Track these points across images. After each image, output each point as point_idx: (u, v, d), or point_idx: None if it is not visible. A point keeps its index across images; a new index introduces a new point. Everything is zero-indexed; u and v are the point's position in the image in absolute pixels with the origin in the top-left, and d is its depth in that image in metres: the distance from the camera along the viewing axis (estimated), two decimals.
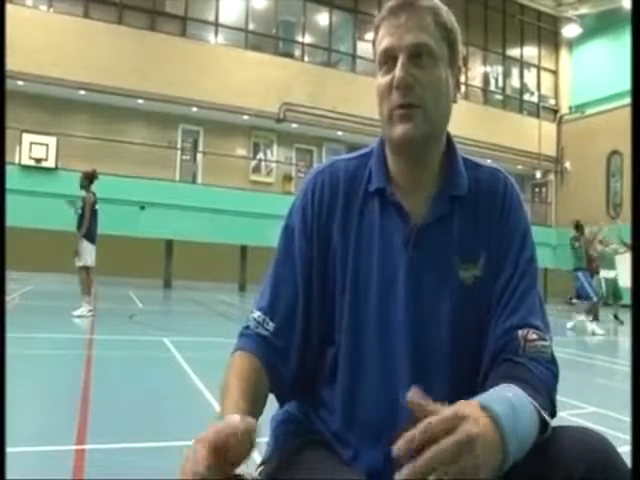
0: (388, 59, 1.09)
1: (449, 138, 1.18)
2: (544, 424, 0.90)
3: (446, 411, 0.77)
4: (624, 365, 6.40)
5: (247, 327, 1.13)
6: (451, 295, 1.10)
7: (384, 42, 1.09)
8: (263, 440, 1.22)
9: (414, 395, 0.79)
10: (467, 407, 0.80)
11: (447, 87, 1.11)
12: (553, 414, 0.99)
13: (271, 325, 1.11)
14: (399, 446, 0.74)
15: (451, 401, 1.09)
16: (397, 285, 1.10)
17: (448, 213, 1.13)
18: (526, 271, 1.12)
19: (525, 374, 0.99)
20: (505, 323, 1.07)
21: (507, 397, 0.88)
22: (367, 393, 1.11)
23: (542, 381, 1.00)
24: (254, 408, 0.98)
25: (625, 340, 9.60)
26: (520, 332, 1.05)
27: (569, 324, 11.01)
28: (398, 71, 1.06)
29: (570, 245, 11.04)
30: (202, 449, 0.76)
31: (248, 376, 1.02)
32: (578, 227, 11.21)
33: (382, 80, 1.09)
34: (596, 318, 10.74)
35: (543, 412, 0.90)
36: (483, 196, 1.15)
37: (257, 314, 1.13)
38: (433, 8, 1.09)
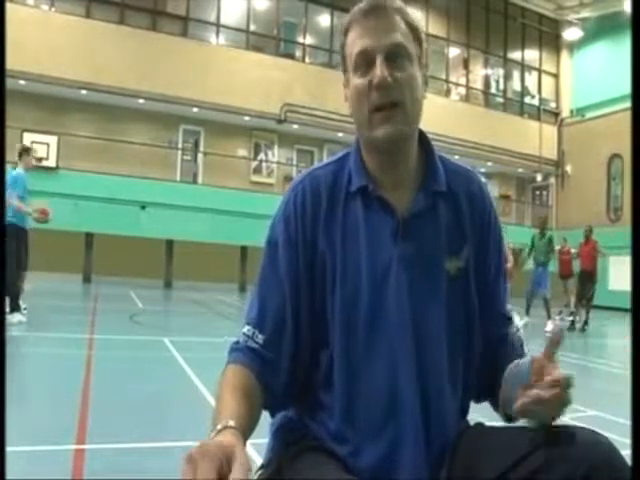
0: (365, 61, 1.10)
1: (422, 134, 1.21)
2: None
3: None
4: (623, 369, 6.40)
5: (237, 342, 1.14)
6: (440, 285, 1.14)
7: (359, 44, 1.11)
8: (262, 442, 1.23)
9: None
10: None
11: (420, 85, 1.14)
12: None
13: (260, 337, 1.12)
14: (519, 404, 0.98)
15: (446, 381, 1.13)
16: (388, 277, 1.12)
17: (431, 206, 1.16)
18: (502, 271, 1.23)
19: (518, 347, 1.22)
20: (499, 322, 1.23)
21: None
22: (366, 388, 1.11)
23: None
24: (250, 420, 0.98)
25: (622, 343, 9.60)
26: (511, 327, 1.24)
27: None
28: (379, 71, 1.08)
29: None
30: (208, 465, 0.75)
31: (242, 388, 1.02)
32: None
33: (359, 81, 1.11)
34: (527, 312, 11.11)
35: None
36: (462, 194, 1.19)
37: (246, 328, 1.14)
38: (400, 9, 1.13)
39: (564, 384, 0.94)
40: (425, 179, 1.17)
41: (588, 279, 11.58)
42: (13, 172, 7.39)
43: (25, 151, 7.76)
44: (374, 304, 1.11)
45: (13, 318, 6.97)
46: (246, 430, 0.94)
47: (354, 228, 1.14)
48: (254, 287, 1.19)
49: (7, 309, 7.03)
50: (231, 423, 0.89)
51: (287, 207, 1.18)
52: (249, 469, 0.77)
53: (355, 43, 1.12)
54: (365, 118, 1.11)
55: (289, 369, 1.12)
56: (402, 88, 1.09)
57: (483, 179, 1.26)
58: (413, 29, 1.13)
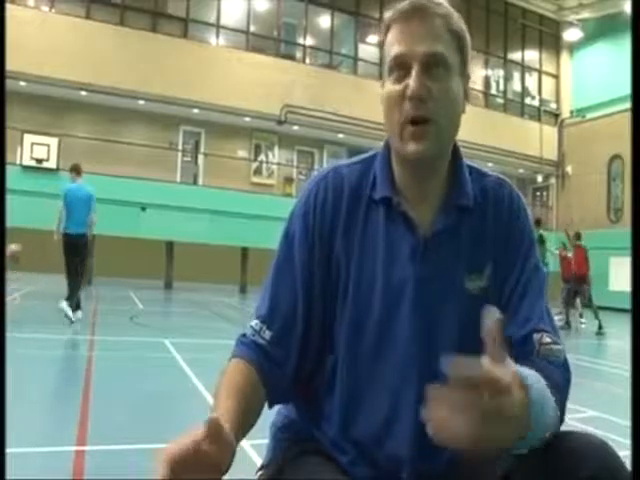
0: (400, 66, 1.05)
1: (455, 146, 1.16)
2: (558, 419, 0.93)
3: (509, 372, 0.77)
4: (624, 369, 6.40)
5: (244, 335, 1.11)
6: (457, 306, 1.09)
7: (396, 48, 1.05)
8: (263, 442, 1.23)
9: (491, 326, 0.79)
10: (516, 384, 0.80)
11: (459, 98, 1.09)
12: (562, 418, 0.99)
13: (268, 334, 1.09)
14: (453, 367, 0.73)
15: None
16: (403, 296, 1.08)
17: (455, 224, 1.11)
18: (533, 277, 1.11)
19: (542, 373, 0.97)
20: (520, 331, 1.06)
21: (542, 385, 0.89)
22: (366, 405, 1.10)
23: (557, 383, 0.99)
24: (245, 421, 0.97)
25: (622, 344, 9.60)
26: (535, 336, 1.05)
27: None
28: (413, 82, 1.02)
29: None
30: (162, 467, 0.74)
31: (241, 386, 1.01)
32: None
33: (393, 87, 1.05)
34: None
35: (558, 410, 0.92)
36: (490, 206, 1.14)
37: (255, 322, 1.11)
38: (446, 15, 1.06)
39: (495, 388, 0.73)
40: (452, 194, 1.12)
41: (583, 282, 11.85)
42: (87, 189, 8.41)
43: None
44: (383, 323, 1.09)
45: (77, 314, 7.85)
46: (238, 432, 0.93)
47: (373, 238, 1.11)
48: (267, 279, 1.15)
49: (64, 304, 7.85)
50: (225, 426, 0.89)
51: (307, 201, 1.14)
52: (232, 444, 0.78)
53: (393, 45, 1.06)
54: (396, 128, 1.05)
55: (295, 368, 1.10)
56: (437, 102, 1.03)
57: (517, 190, 1.18)
58: (457, 38, 1.07)
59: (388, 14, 1.09)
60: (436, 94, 1.04)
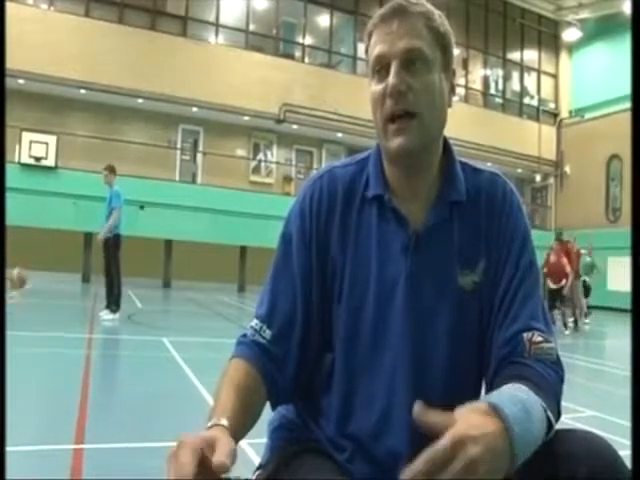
0: (381, 67, 1.07)
1: (446, 142, 1.17)
2: (549, 425, 0.91)
3: (445, 438, 0.76)
4: (622, 369, 6.41)
5: (244, 335, 1.12)
6: (450, 301, 1.10)
7: (376, 49, 1.08)
8: (261, 441, 1.23)
9: (419, 412, 0.80)
10: (472, 418, 0.80)
11: (441, 92, 1.09)
12: (558, 416, 0.99)
13: (268, 333, 1.11)
14: (405, 476, 0.74)
15: (448, 407, 1.09)
16: (396, 292, 1.09)
17: (447, 219, 1.12)
18: (527, 275, 1.11)
19: (532, 374, 0.98)
20: (509, 330, 1.06)
21: (520, 398, 0.88)
22: (363, 401, 1.11)
23: (548, 382, 0.99)
24: (246, 418, 0.97)
25: (622, 344, 9.61)
26: (525, 335, 1.05)
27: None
28: (391, 78, 1.04)
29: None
30: (186, 454, 0.76)
31: (242, 384, 1.01)
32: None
33: (375, 88, 1.08)
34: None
35: (549, 413, 0.91)
36: (482, 202, 1.14)
37: (254, 322, 1.13)
38: (425, 13, 1.08)
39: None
40: (443, 190, 1.13)
41: None
42: (116, 188, 8.64)
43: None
44: (378, 320, 1.10)
45: (112, 315, 8.21)
46: (239, 429, 0.93)
47: (367, 236, 1.12)
48: (266, 280, 1.17)
49: (105, 307, 8.34)
50: (223, 422, 0.89)
51: (303, 203, 1.16)
52: (233, 454, 0.77)
53: (374, 48, 1.09)
54: (380, 127, 1.08)
55: (296, 366, 1.11)
56: (418, 96, 1.05)
57: (510, 184, 1.18)
58: (438, 34, 1.09)
59: (370, 21, 1.12)
60: (416, 88, 1.05)
